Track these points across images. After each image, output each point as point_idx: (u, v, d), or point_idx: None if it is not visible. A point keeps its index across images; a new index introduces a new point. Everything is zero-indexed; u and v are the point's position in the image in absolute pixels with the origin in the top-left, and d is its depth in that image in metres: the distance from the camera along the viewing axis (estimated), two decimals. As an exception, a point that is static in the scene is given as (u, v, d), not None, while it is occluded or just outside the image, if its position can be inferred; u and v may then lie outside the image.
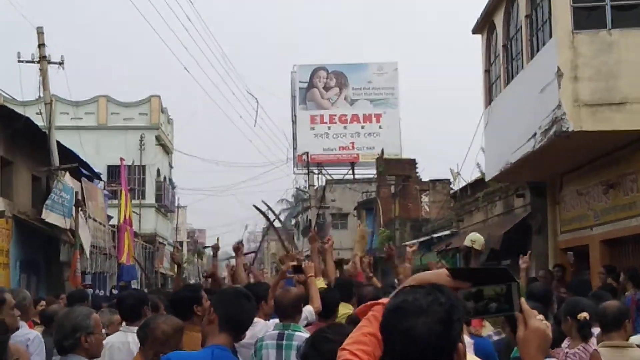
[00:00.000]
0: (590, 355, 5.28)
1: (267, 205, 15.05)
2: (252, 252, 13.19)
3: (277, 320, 6.02)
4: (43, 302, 10.11)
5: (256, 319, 6.11)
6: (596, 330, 5.70)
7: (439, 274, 2.32)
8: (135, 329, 5.66)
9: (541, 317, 2.26)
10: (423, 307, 2.04)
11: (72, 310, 4.74)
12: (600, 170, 13.88)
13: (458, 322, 2.08)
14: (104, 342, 5.74)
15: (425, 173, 38.04)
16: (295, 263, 7.90)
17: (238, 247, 9.67)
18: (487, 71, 17.28)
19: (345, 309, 6.80)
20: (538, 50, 13.69)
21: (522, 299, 2.24)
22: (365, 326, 2.29)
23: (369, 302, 2.39)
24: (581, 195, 14.77)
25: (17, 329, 5.26)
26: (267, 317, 6.62)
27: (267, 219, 15.51)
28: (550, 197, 16.56)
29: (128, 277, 25.55)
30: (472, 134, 18.71)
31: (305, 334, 5.66)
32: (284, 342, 5.50)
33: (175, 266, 9.84)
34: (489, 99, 17.07)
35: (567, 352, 5.40)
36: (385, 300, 2.28)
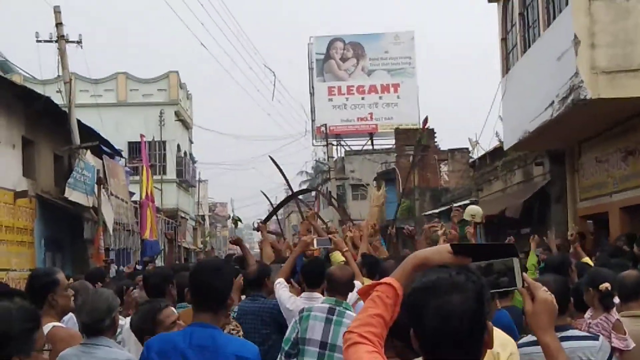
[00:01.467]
0: (613, 325, 5.31)
1: (278, 166, 15.10)
2: (275, 233, 13.20)
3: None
4: (70, 280, 10.26)
5: (317, 294, 6.22)
6: (617, 300, 5.74)
7: (440, 250, 2.32)
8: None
9: (545, 288, 2.29)
10: (458, 284, 2.04)
11: (100, 291, 4.76)
12: (618, 137, 13.84)
13: (488, 301, 2.10)
14: (128, 319, 5.89)
15: (444, 143, 37.91)
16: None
17: (259, 228, 9.73)
18: (504, 39, 17.19)
19: None
20: (554, 17, 13.61)
21: (525, 274, 2.27)
22: (371, 307, 2.25)
23: (372, 283, 2.37)
24: (600, 162, 14.74)
25: (70, 310, 5.22)
26: (269, 294, 6.64)
27: (283, 174, 15.57)
28: (569, 165, 16.54)
29: (151, 253, 25.82)
30: (490, 103, 18.65)
31: (354, 313, 5.73)
32: (335, 317, 5.45)
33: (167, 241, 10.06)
34: (506, 67, 17.00)
35: (589, 323, 5.43)
36: (389, 279, 2.29)
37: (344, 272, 5.88)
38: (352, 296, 6.26)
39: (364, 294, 2.34)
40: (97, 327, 4.41)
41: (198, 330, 3.67)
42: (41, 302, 4.81)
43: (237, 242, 9.27)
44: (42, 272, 5.37)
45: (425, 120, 20.82)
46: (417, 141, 26.75)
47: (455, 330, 2.01)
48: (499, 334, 3.95)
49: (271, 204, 18.56)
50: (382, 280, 2.31)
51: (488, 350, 2.11)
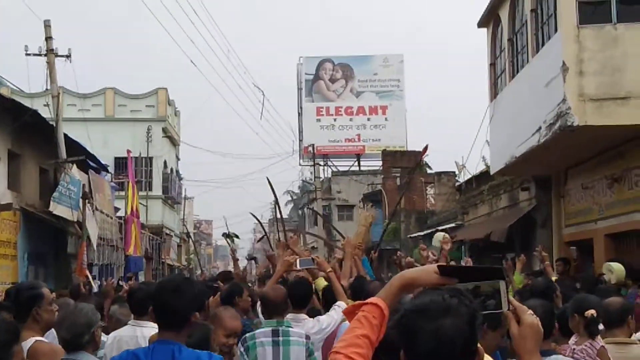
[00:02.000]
0: (597, 351, 5.31)
1: (272, 188, 15.14)
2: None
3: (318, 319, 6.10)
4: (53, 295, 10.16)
5: (304, 316, 6.19)
6: (601, 326, 5.74)
7: (427, 270, 2.30)
8: (144, 323, 5.73)
9: (531, 312, 2.28)
10: (451, 308, 2.03)
11: (79, 307, 4.74)
12: (605, 164, 13.91)
13: (480, 325, 2.10)
14: (112, 335, 5.84)
15: (431, 166, 38.02)
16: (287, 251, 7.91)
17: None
18: (493, 65, 17.30)
19: None
20: (543, 44, 13.71)
21: (511, 297, 2.26)
22: (357, 327, 2.23)
23: (356, 303, 2.35)
24: (586, 189, 14.80)
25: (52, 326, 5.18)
26: (244, 312, 6.59)
27: (275, 194, 15.59)
28: (555, 191, 16.60)
29: (135, 269, 25.70)
30: (477, 127, 18.73)
31: (298, 329, 5.72)
32: (281, 338, 5.46)
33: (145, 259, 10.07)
34: (495, 92, 17.09)
35: (574, 349, 5.43)
36: (375, 299, 2.27)
37: (278, 293, 5.87)
38: (336, 316, 6.23)
39: (350, 313, 2.32)
40: (76, 342, 4.39)
41: (160, 347, 3.74)
42: (25, 315, 4.76)
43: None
44: (27, 285, 5.32)
45: (425, 149, 20.91)
46: (416, 165, 26.75)
47: (447, 354, 2.00)
48: None
49: (261, 225, 18.60)
50: (368, 301, 2.29)
51: None
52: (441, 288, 2.15)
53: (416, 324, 2.04)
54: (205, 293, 6.25)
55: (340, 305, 6.29)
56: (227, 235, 11.78)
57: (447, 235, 10.96)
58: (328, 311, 6.51)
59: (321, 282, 7.42)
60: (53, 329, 5.60)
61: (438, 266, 2.29)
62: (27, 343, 4.56)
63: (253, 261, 10.74)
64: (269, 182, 15.47)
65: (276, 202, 16.92)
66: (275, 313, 5.67)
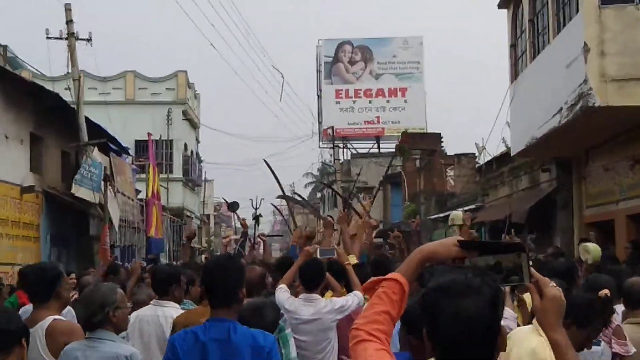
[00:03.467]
0: (613, 330, 5.32)
1: (271, 169, 15.08)
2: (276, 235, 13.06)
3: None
4: (73, 275, 10.29)
5: (316, 296, 6.26)
6: (619, 307, 5.74)
7: (447, 243, 2.29)
8: (166, 303, 5.80)
9: (554, 283, 2.27)
10: (474, 287, 2.02)
11: (98, 286, 4.79)
12: (626, 145, 13.82)
13: (502, 304, 2.09)
14: (134, 315, 5.91)
15: (451, 147, 37.90)
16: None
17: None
18: (513, 46, 17.19)
19: None
20: (564, 25, 13.61)
21: (533, 270, 2.24)
22: (377, 304, 2.22)
23: (375, 278, 2.33)
24: (607, 170, 14.72)
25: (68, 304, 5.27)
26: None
27: (276, 178, 15.53)
28: (576, 172, 16.52)
29: (156, 250, 25.87)
30: (498, 109, 18.65)
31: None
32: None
33: (187, 239, 10.17)
34: (515, 73, 17.00)
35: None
36: (395, 275, 2.26)
37: (253, 273, 5.86)
38: (351, 300, 6.27)
39: (369, 289, 2.31)
40: (89, 321, 4.46)
41: (215, 325, 3.92)
42: (48, 295, 4.85)
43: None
44: (49, 265, 5.40)
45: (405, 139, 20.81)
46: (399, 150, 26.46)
47: (469, 333, 2.00)
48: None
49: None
50: (388, 276, 2.28)
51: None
52: (464, 267, 2.14)
53: (438, 303, 2.03)
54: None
55: (357, 294, 6.34)
56: (256, 218, 11.64)
57: (458, 212, 10.99)
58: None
59: (351, 259, 7.46)
60: (70, 307, 5.71)
61: (458, 240, 2.27)
62: (45, 322, 4.65)
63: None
64: (268, 165, 15.38)
65: (279, 185, 16.87)
66: (252, 294, 5.55)
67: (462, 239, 2.29)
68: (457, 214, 10.68)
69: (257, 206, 21.39)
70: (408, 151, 33.53)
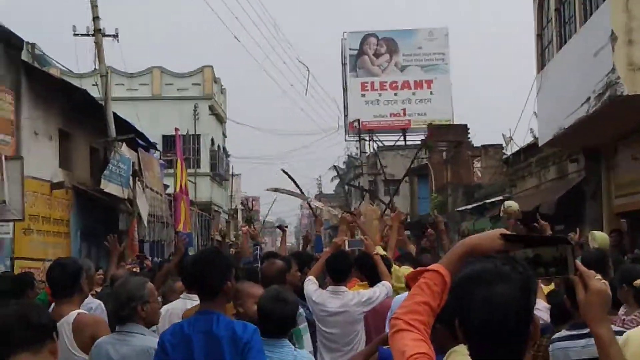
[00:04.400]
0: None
1: (287, 174, 15.21)
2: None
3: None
4: (101, 270, 10.40)
5: (344, 288, 6.30)
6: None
7: (490, 236, 2.28)
8: (195, 296, 5.86)
9: (599, 276, 2.25)
10: (503, 274, 2.03)
11: (127, 280, 4.81)
12: (655, 135, 13.68)
13: (534, 292, 2.09)
14: (163, 309, 5.96)
15: (477, 138, 37.71)
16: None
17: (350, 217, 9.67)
18: (540, 35, 17.05)
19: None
20: (591, 13, 13.47)
21: (577, 262, 2.23)
22: (418, 294, 2.23)
23: (418, 269, 2.34)
24: (636, 160, 14.56)
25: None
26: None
27: (295, 182, 15.65)
28: (605, 162, 16.36)
29: (186, 245, 26.00)
30: (524, 99, 18.53)
31: None
32: None
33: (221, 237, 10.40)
34: (542, 63, 16.87)
35: (624, 319, 5.41)
36: (437, 266, 2.26)
37: (271, 268, 6.04)
38: (379, 292, 6.29)
39: (412, 279, 2.31)
40: (118, 314, 4.51)
41: (201, 318, 4.03)
42: (72, 289, 4.94)
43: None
44: (71, 260, 5.50)
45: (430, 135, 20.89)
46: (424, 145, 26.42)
47: (500, 321, 2.00)
48: None
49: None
50: (430, 267, 2.29)
51: None
52: (496, 256, 2.14)
53: (469, 292, 2.04)
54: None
55: (385, 284, 6.35)
56: (280, 227, 11.55)
57: (513, 203, 10.90)
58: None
59: (378, 249, 7.46)
60: (100, 302, 5.79)
61: (501, 233, 2.28)
62: (71, 316, 4.72)
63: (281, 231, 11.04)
64: (286, 173, 15.46)
65: (299, 190, 16.98)
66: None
67: (506, 231, 2.29)
68: (512, 203, 10.56)
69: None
70: (433, 146, 33.50)
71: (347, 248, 7.46)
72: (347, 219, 9.19)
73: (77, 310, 4.80)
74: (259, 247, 9.83)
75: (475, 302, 2.02)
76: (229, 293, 4.20)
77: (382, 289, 6.32)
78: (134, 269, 10.57)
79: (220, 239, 10.62)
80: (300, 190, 16.79)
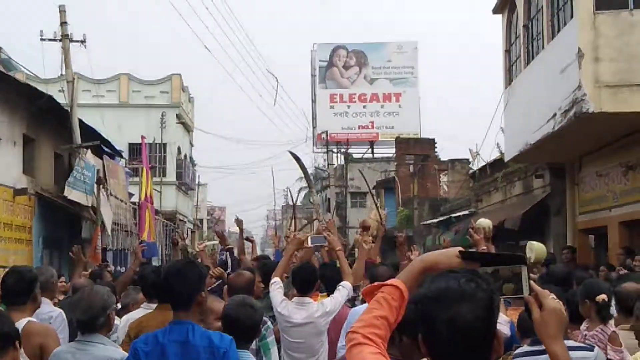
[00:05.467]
0: (609, 336, 5.31)
1: (297, 158, 15.10)
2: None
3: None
4: (63, 278, 10.25)
5: (309, 300, 6.24)
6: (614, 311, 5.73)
7: (448, 253, 2.30)
8: (155, 306, 5.78)
9: (554, 296, 2.26)
10: (467, 293, 2.02)
11: (97, 289, 4.77)
12: (620, 152, 13.84)
13: (497, 308, 2.09)
14: (124, 318, 5.89)
15: (444, 153, 37.98)
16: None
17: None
18: (508, 51, 17.21)
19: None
20: (559, 30, 13.62)
21: (532, 282, 2.24)
22: (376, 309, 2.23)
23: (376, 283, 2.34)
24: (600, 176, 14.73)
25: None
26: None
27: (301, 165, 15.56)
28: (570, 178, 16.53)
29: (149, 254, 25.75)
30: (491, 114, 18.68)
31: None
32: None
33: (175, 246, 10.30)
34: (509, 79, 17.02)
35: (585, 335, 5.44)
36: (395, 281, 2.26)
37: (241, 279, 6.05)
38: (340, 297, 6.25)
39: (369, 294, 2.32)
40: (91, 324, 4.43)
41: (175, 328, 4.09)
42: (25, 297, 4.87)
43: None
44: (27, 268, 5.45)
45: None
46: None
47: (466, 340, 2.01)
48: None
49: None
50: (388, 282, 2.29)
51: None
52: (458, 271, 2.13)
53: (433, 311, 2.04)
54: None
55: (345, 285, 6.32)
56: (237, 221, 11.33)
57: (485, 221, 10.91)
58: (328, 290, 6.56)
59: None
60: (61, 310, 5.69)
61: (460, 250, 2.29)
62: (20, 324, 4.65)
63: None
64: (293, 155, 15.30)
65: (305, 175, 16.79)
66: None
67: (463, 249, 2.30)
68: (484, 222, 10.57)
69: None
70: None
71: (309, 244, 7.36)
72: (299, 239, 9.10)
73: (28, 319, 4.74)
74: (226, 252, 9.69)
75: (439, 322, 2.02)
76: (202, 303, 4.26)
77: (342, 291, 6.30)
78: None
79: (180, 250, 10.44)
80: (307, 177, 16.74)
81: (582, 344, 4.56)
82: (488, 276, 2.18)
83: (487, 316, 2.02)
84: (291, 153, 15.46)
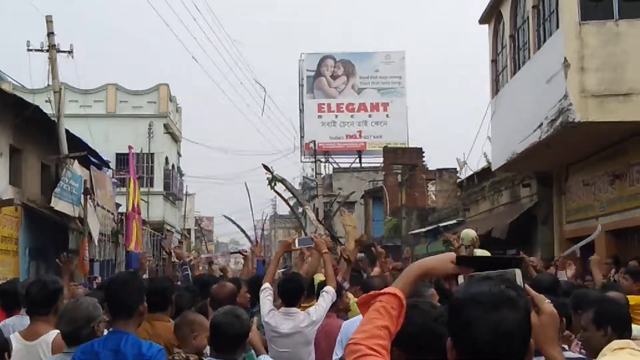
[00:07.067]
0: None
1: (270, 171, 15.05)
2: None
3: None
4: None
5: (295, 309, 6.23)
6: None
7: (443, 259, 2.29)
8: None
9: (549, 300, 2.24)
10: (512, 299, 1.99)
11: (80, 301, 4.74)
12: (606, 161, 13.91)
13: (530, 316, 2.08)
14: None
15: (432, 162, 38.06)
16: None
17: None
18: (494, 61, 17.29)
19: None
20: (545, 40, 13.71)
21: (527, 286, 2.22)
22: (377, 318, 2.19)
23: (371, 292, 2.30)
24: (587, 185, 14.80)
25: None
26: None
27: (273, 178, 15.50)
28: (556, 187, 16.61)
29: (136, 265, 25.66)
30: (479, 124, 18.76)
31: None
32: None
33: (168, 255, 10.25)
34: (496, 88, 17.10)
35: (578, 343, 5.44)
36: (393, 289, 2.24)
37: (223, 290, 6.15)
38: (324, 304, 6.25)
39: (364, 304, 2.28)
40: (75, 336, 4.41)
41: (111, 337, 4.26)
42: (49, 308, 4.87)
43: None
44: (51, 279, 5.40)
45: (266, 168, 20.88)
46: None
47: (507, 345, 1.97)
48: None
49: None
50: (385, 290, 2.26)
51: None
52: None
53: (472, 314, 1.98)
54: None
55: (329, 290, 6.32)
56: (272, 180, 10.79)
57: (469, 232, 10.96)
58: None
59: (319, 278, 7.46)
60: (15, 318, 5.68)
61: (456, 256, 2.29)
62: (50, 336, 4.68)
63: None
64: (265, 167, 15.30)
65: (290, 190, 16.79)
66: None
67: (459, 255, 2.31)
68: (467, 233, 10.62)
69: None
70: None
71: (296, 246, 7.35)
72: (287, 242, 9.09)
73: (56, 331, 4.74)
74: (186, 267, 9.78)
75: (479, 326, 1.96)
76: (143, 313, 4.41)
77: (326, 298, 6.30)
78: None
79: (176, 259, 10.36)
80: (293, 194, 16.74)
81: (579, 355, 4.57)
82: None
83: (527, 322, 2.01)
84: (264, 166, 15.36)
